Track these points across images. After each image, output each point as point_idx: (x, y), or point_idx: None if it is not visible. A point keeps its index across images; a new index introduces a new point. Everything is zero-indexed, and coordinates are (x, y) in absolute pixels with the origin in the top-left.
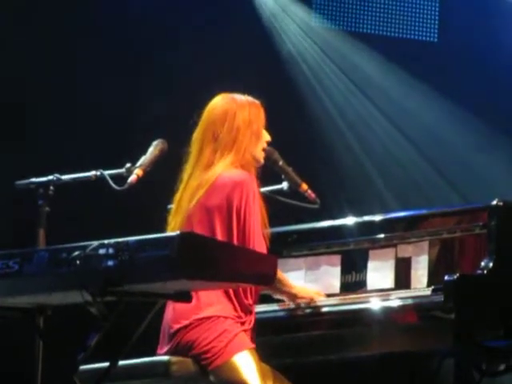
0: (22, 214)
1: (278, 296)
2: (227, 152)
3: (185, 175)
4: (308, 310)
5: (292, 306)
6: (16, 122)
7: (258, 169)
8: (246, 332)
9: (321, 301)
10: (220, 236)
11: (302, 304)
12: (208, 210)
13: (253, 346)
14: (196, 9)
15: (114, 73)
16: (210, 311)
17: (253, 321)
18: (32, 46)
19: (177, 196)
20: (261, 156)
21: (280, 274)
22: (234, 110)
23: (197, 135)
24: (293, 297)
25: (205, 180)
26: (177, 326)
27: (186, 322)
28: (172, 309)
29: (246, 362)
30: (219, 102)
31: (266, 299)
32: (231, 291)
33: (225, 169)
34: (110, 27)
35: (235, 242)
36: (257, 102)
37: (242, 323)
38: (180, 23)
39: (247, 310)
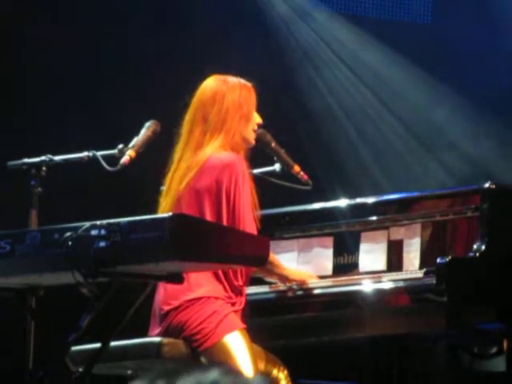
0: (15, 195)
1: (269, 278)
2: (217, 134)
3: (175, 157)
4: (300, 292)
5: (283, 287)
6: (7, 102)
7: (248, 150)
8: (236, 313)
9: (313, 283)
10: (209, 218)
11: (293, 286)
12: (197, 192)
13: (244, 326)
14: None
15: (107, 51)
16: (200, 292)
17: (243, 302)
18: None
19: (167, 177)
20: (251, 138)
21: (272, 255)
22: (224, 91)
23: (187, 117)
24: (284, 279)
25: (195, 162)
26: (167, 308)
27: (176, 304)
28: (162, 290)
29: (236, 343)
30: (210, 84)
31: (257, 281)
32: (221, 273)
33: (214, 151)
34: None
35: (225, 224)
36: (248, 84)
37: (233, 304)
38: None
39: (237, 291)
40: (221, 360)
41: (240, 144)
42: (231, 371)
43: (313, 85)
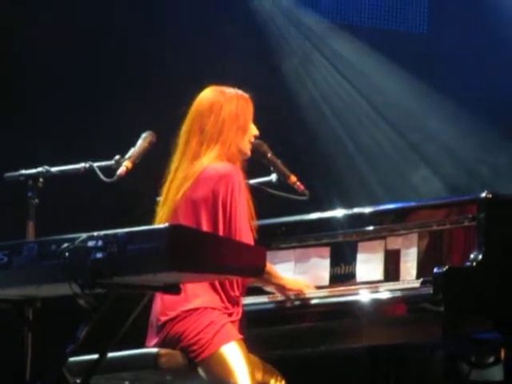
0: (12, 206)
1: (267, 288)
2: (213, 144)
3: (172, 167)
4: (297, 302)
5: (281, 298)
6: (5, 112)
7: (244, 161)
8: (233, 323)
9: (310, 293)
10: (206, 228)
11: (291, 296)
12: (194, 203)
13: (240, 336)
14: None
15: (100, 62)
16: (197, 303)
17: (240, 312)
18: (28, 34)
19: (164, 188)
20: (247, 149)
21: (269, 265)
22: (221, 102)
23: (184, 127)
24: (281, 288)
25: (191, 172)
26: (164, 319)
27: (173, 314)
28: (159, 301)
29: (233, 353)
30: (207, 95)
31: (255, 291)
32: (217, 283)
33: (211, 161)
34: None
35: (221, 234)
36: (246, 95)
37: (230, 314)
38: (165, 9)
39: (234, 302)
40: (217, 371)
41: (236, 155)
42: None
43: (309, 95)
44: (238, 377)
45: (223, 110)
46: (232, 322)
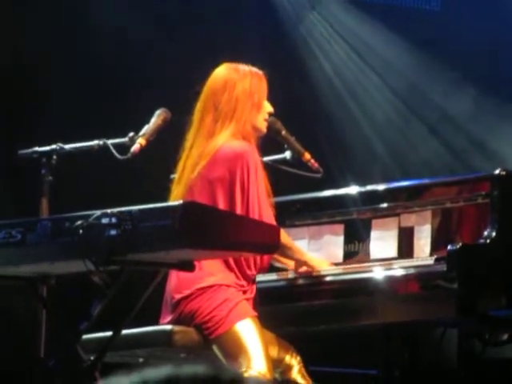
0: (26, 184)
1: (282, 264)
2: (228, 122)
3: (187, 144)
4: (310, 280)
5: (291, 275)
6: (17, 91)
7: (259, 138)
8: (248, 301)
9: (324, 270)
10: (222, 208)
11: (303, 274)
12: (210, 182)
13: (255, 314)
14: None
15: (116, 42)
16: (212, 280)
17: (254, 290)
18: (30, 18)
19: (179, 165)
20: (262, 126)
21: (291, 241)
22: (234, 80)
23: (199, 104)
24: (303, 263)
25: (207, 151)
26: (179, 296)
27: (187, 292)
28: (174, 279)
29: (247, 330)
30: (221, 72)
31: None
32: (232, 262)
33: (226, 140)
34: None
35: (238, 212)
36: (260, 72)
37: (244, 292)
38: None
39: (249, 279)
40: (232, 347)
41: (251, 133)
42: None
43: (323, 73)
44: (252, 354)
45: (237, 87)
46: (247, 299)
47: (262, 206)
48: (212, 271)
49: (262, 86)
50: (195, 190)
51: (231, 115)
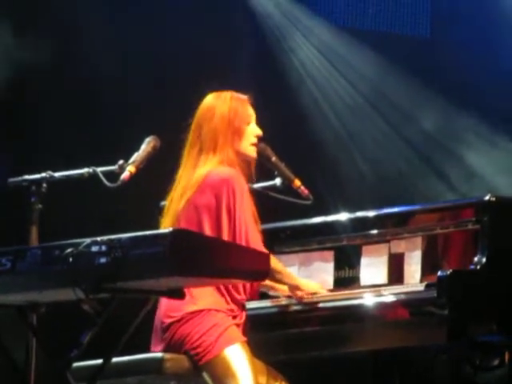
0: (15, 212)
1: (275, 292)
2: (212, 153)
3: (177, 176)
4: (301, 306)
5: (284, 302)
6: (8, 120)
7: (251, 163)
8: (238, 326)
9: (314, 296)
10: (208, 234)
11: (293, 301)
12: (196, 208)
13: (244, 339)
14: None
15: (105, 69)
16: (202, 304)
17: (244, 316)
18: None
19: (168, 198)
20: (248, 151)
21: (281, 266)
22: (213, 109)
23: (188, 136)
24: (295, 288)
25: (193, 179)
26: (168, 321)
27: (177, 316)
28: (163, 304)
29: (236, 356)
30: (205, 102)
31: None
32: (222, 286)
33: (213, 167)
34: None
35: (225, 239)
36: (242, 96)
37: (234, 317)
38: (167, 10)
39: (239, 304)
40: (221, 373)
41: (235, 160)
42: None
43: (313, 100)
44: (240, 380)
45: (215, 116)
46: (237, 324)
47: (249, 231)
48: (202, 295)
49: (244, 110)
50: (182, 218)
51: (213, 146)
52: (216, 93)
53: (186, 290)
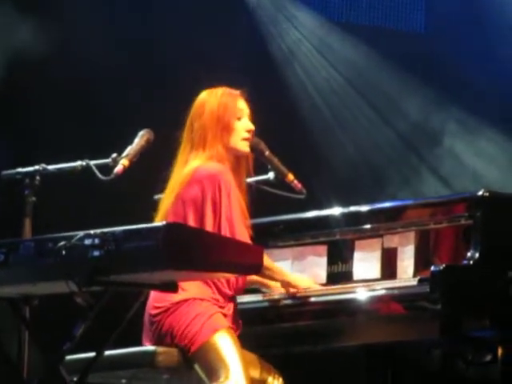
0: (8, 205)
1: (266, 289)
2: (201, 149)
3: (171, 173)
4: (293, 301)
5: (276, 296)
6: (2, 112)
7: (245, 158)
8: (225, 316)
9: (307, 291)
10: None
11: (286, 294)
12: (183, 202)
13: (228, 325)
14: None
15: (104, 63)
16: (187, 294)
17: (232, 308)
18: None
19: (161, 196)
20: (239, 146)
21: (271, 262)
22: (204, 106)
23: (183, 133)
24: (286, 284)
25: (183, 175)
26: (155, 312)
27: (163, 307)
28: (150, 295)
29: (223, 342)
30: (197, 99)
31: (250, 290)
32: (209, 280)
33: (201, 163)
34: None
35: None
36: (234, 91)
37: (220, 307)
38: (166, 10)
39: (225, 296)
40: (209, 360)
41: (225, 155)
42: None
43: (306, 93)
44: (229, 365)
45: (205, 112)
46: (223, 314)
47: (235, 226)
48: (188, 285)
49: (233, 105)
50: (170, 213)
51: (203, 143)
52: (209, 89)
53: (178, 286)
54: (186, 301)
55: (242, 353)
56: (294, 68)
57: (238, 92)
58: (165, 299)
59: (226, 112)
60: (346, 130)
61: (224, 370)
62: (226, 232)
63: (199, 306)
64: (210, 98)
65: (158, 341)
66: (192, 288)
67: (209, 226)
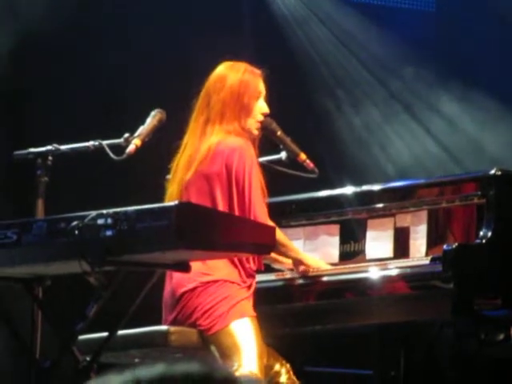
0: (21, 185)
1: (279, 265)
2: (218, 124)
3: (182, 144)
4: (306, 280)
5: (289, 275)
6: (15, 93)
7: (253, 139)
8: (248, 299)
9: (319, 270)
10: (221, 203)
11: (299, 274)
12: (207, 178)
13: (254, 314)
14: None
15: (112, 43)
16: (217, 275)
17: (254, 285)
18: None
19: (173, 166)
20: (252, 128)
21: (286, 239)
22: (226, 78)
23: (196, 103)
24: (299, 262)
25: (202, 149)
26: (182, 290)
27: (191, 286)
28: (176, 275)
29: (244, 329)
30: (217, 70)
31: (263, 269)
32: (236, 258)
33: (222, 137)
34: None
35: (236, 208)
36: (256, 70)
37: (248, 288)
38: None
39: (251, 275)
40: (227, 344)
41: (241, 133)
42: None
43: (318, 74)
44: (245, 353)
45: (225, 87)
46: (248, 298)
47: (256, 202)
48: (216, 266)
49: (255, 84)
50: (191, 189)
51: (220, 118)
52: (230, 62)
53: (190, 266)
54: (215, 282)
55: (261, 344)
56: (306, 48)
57: (259, 71)
58: (194, 279)
59: (246, 91)
60: (358, 109)
61: (239, 357)
62: (248, 208)
63: (228, 289)
64: (231, 73)
65: (181, 320)
66: (221, 269)
67: (235, 201)
